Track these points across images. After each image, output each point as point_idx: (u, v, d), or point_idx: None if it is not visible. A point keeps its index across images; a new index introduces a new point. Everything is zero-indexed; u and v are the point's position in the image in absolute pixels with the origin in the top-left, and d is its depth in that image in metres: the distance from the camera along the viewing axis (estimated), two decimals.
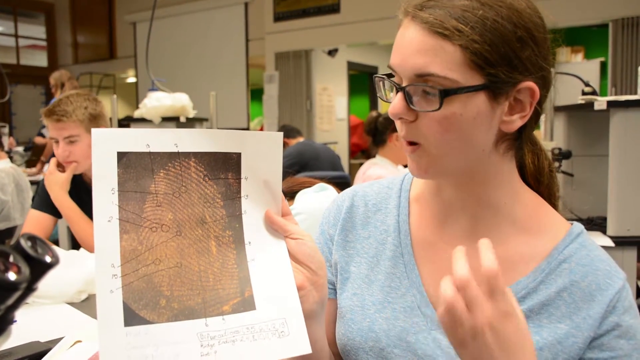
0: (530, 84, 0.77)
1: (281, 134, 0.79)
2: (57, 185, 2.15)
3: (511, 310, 0.66)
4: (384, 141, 3.34)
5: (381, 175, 3.17)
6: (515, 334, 0.66)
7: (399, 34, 0.79)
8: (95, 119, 2.18)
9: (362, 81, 9.62)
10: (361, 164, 4.00)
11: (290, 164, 4.77)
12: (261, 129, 5.99)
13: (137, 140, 0.72)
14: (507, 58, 0.74)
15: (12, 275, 0.49)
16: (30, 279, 0.51)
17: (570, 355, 0.78)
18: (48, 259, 0.54)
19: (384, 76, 0.82)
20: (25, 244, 0.52)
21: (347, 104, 8.65)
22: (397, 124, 0.81)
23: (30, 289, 0.52)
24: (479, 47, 0.73)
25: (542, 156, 0.92)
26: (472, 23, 0.73)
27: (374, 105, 9.53)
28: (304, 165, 4.76)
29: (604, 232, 2.40)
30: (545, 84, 0.80)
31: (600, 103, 2.35)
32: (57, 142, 2.16)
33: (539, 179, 0.91)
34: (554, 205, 0.91)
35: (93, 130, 0.70)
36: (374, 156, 3.45)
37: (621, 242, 2.33)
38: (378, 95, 0.86)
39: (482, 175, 0.83)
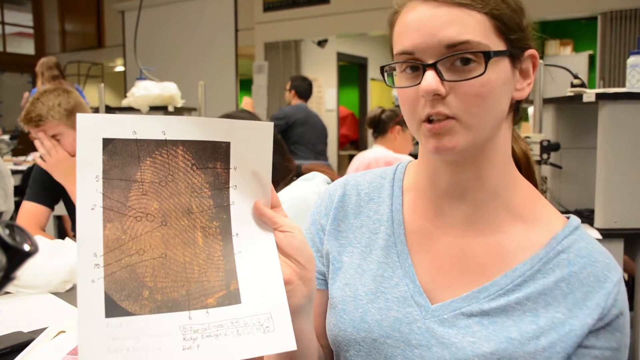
0: (533, 51, 0.82)
1: (272, 124, 0.77)
2: (75, 171, 2.10)
3: None
4: (385, 131, 3.42)
5: (379, 157, 3.28)
6: None
7: (408, 16, 0.78)
8: (73, 112, 2.12)
9: (352, 72, 9.60)
10: (350, 156, 4.03)
11: (278, 118, 5.02)
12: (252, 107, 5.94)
13: (123, 126, 0.70)
14: (520, 24, 0.79)
15: None
16: (7, 267, 0.50)
17: (567, 344, 0.78)
18: (26, 247, 0.52)
19: (396, 63, 0.81)
20: (3, 232, 0.51)
21: (337, 95, 8.64)
22: (419, 105, 0.78)
23: (7, 277, 0.51)
24: (501, 14, 0.76)
25: (520, 142, 0.94)
26: None
27: (363, 96, 9.52)
28: (291, 125, 5.02)
29: (592, 224, 2.41)
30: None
31: (589, 95, 2.35)
32: (42, 142, 2.11)
33: (528, 168, 0.93)
34: (541, 190, 0.92)
35: (78, 115, 0.68)
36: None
37: (608, 234, 2.34)
38: (388, 84, 0.85)
39: (488, 152, 0.83)
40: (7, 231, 0.51)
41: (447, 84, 0.76)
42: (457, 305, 0.82)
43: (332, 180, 1.87)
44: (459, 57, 0.75)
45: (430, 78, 0.76)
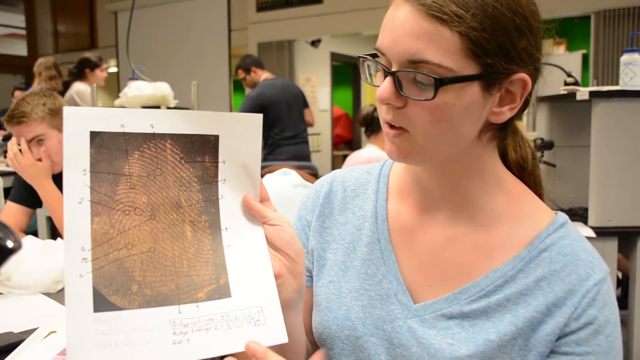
0: (523, 75, 0.74)
1: (261, 115, 0.76)
2: (44, 175, 2.09)
3: None
4: (378, 130, 3.43)
5: (371, 158, 3.27)
6: None
7: (390, 13, 0.75)
8: (57, 114, 2.11)
9: (346, 72, 9.60)
10: (344, 156, 4.03)
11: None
12: None
13: (111, 119, 0.69)
14: (504, 48, 0.71)
15: None
16: None
17: (542, 344, 0.76)
18: (10, 244, 0.51)
19: (368, 56, 0.79)
20: None
21: (330, 95, 8.63)
22: (382, 108, 0.77)
23: None
24: (478, 35, 0.69)
25: (524, 144, 0.90)
26: (473, 9, 0.69)
27: (357, 96, 9.52)
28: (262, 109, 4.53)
29: (585, 222, 2.42)
30: (536, 75, 0.78)
31: (583, 93, 2.35)
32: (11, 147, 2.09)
33: (522, 166, 0.89)
34: (540, 194, 0.89)
35: (65, 108, 0.67)
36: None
37: (602, 232, 2.34)
38: (362, 78, 0.83)
39: (462, 164, 0.81)
40: None
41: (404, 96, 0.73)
42: (438, 307, 0.81)
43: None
44: (414, 75, 0.72)
45: (386, 86, 0.74)
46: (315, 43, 7.75)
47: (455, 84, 0.71)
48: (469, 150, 0.80)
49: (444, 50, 0.70)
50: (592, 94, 2.33)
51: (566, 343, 0.76)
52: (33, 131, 2.07)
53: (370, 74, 0.82)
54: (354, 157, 3.51)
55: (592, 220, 2.38)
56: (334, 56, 8.68)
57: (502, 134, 0.83)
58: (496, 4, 0.70)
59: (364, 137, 3.72)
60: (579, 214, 2.53)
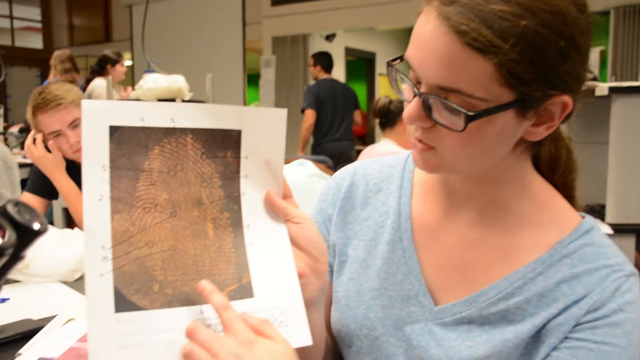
0: (566, 98, 0.68)
1: (285, 110, 0.75)
2: (56, 167, 2.11)
3: (252, 338, 0.63)
4: (394, 124, 3.27)
5: (386, 153, 3.17)
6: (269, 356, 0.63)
7: (420, 24, 0.68)
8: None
9: (360, 67, 9.56)
10: (358, 151, 3.98)
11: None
12: None
13: (131, 113, 0.67)
14: (544, 74, 0.65)
15: None
16: (17, 244, 0.48)
17: (555, 332, 0.74)
18: (36, 225, 0.51)
19: (401, 72, 0.74)
20: (12, 209, 0.50)
21: None
22: (412, 125, 0.74)
23: (17, 256, 0.50)
24: (515, 66, 0.63)
25: (560, 144, 0.85)
26: (513, 37, 0.62)
27: (371, 92, 9.48)
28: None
29: (603, 219, 2.39)
30: (579, 92, 0.71)
31: (602, 89, 2.32)
32: (58, 135, 2.08)
33: (553, 168, 0.85)
34: (570, 196, 0.85)
35: (83, 101, 0.65)
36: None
37: (620, 229, 2.32)
38: (391, 85, 0.78)
39: (493, 174, 0.79)
40: (15, 208, 0.50)
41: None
42: (458, 310, 0.80)
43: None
44: (444, 103, 0.67)
45: (414, 107, 0.70)
46: (329, 37, 7.73)
47: (488, 116, 0.66)
48: (501, 164, 0.77)
49: (476, 80, 0.64)
50: (612, 90, 2.30)
51: (581, 330, 0.73)
52: (70, 114, 2.06)
53: (396, 80, 0.77)
54: (369, 152, 3.41)
55: (609, 217, 2.35)
56: (349, 51, 8.65)
57: (538, 146, 0.80)
58: (538, 27, 0.62)
59: (377, 131, 3.53)
60: (596, 211, 2.50)
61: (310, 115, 5.39)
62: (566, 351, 0.73)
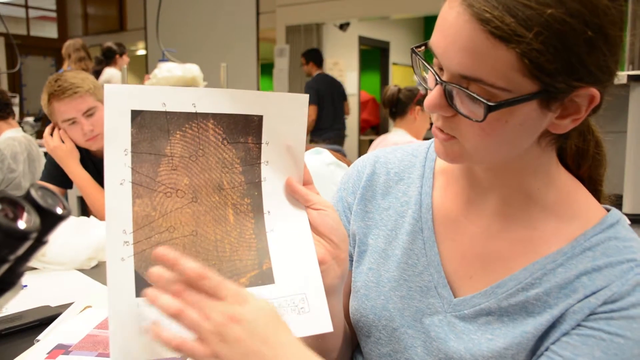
0: (593, 90, 0.67)
1: (307, 96, 0.74)
2: (70, 157, 2.13)
3: (243, 295, 0.61)
4: (404, 113, 3.25)
5: (399, 142, 3.14)
6: (266, 326, 0.61)
7: (444, 10, 0.67)
8: (99, 89, 2.13)
9: (374, 56, 9.51)
10: (371, 140, 3.96)
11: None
12: None
13: (152, 98, 0.67)
14: (569, 65, 0.63)
15: (22, 224, 0.46)
16: (40, 229, 0.49)
17: (568, 319, 0.73)
18: (59, 210, 0.51)
19: (425, 61, 0.73)
20: (36, 194, 0.50)
21: (358, 80, 8.57)
22: (433, 114, 0.74)
23: (40, 240, 0.50)
24: (538, 56, 0.61)
25: (589, 137, 0.83)
26: (537, 26, 0.60)
27: (384, 81, 9.43)
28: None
29: (620, 209, 2.36)
30: (609, 85, 0.69)
31: (620, 77, 2.29)
32: (73, 123, 2.09)
33: (579, 162, 0.84)
34: (595, 190, 0.84)
35: (106, 85, 0.66)
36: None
37: (637, 219, 2.29)
38: (415, 73, 0.77)
39: (517, 165, 0.77)
40: (39, 193, 0.50)
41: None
42: (477, 301, 0.79)
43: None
44: (466, 92, 0.67)
45: (435, 96, 0.70)
46: (343, 26, 7.69)
47: (509, 106, 0.65)
48: (525, 155, 0.76)
49: (498, 70, 0.63)
50: (631, 78, 2.27)
51: (596, 319, 0.72)
52: (86, 102, 2.08)
53: (421, 70, 0.76)
54: (381, 141, 3.39)
55: (627, 207, 2.33)
56: (362, 40, 8.61)
57: (564, 139, 0.78)
58: (565, 15, 0.61)
59: (390, 121, 3.51)
60: (613, 201, 2.48)
61: (312, 111, 5.68)
62: (577, 338, 0.72)
